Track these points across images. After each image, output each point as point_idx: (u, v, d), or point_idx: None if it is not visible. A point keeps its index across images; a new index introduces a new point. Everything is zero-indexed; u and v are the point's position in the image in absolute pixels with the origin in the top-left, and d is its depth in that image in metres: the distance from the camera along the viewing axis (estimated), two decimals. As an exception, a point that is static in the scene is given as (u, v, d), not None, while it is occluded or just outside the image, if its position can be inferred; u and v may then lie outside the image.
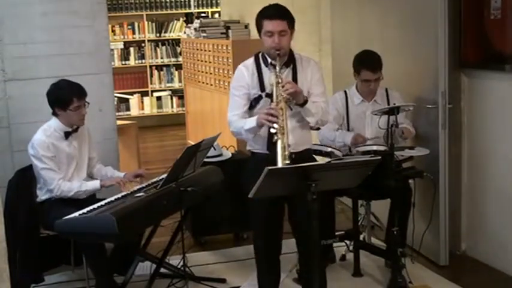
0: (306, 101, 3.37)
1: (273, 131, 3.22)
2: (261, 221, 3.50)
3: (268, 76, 3.42)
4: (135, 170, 4.39)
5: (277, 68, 3.33)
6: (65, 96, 3.84)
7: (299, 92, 3.33)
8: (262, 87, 3.44)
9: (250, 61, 3.51)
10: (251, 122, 3.38)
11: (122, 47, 10.01)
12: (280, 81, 3.30)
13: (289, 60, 3.45)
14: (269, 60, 3.43)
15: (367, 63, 4.25)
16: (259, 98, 3.44)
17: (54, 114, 3.91)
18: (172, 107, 10.30)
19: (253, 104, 3.46)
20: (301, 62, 3.50)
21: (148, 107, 10.25)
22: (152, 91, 10.26)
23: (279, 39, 3.33)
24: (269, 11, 3.38)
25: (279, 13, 3.36)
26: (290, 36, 3.40)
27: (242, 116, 3.46)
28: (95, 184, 3.91)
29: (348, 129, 4.40)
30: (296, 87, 3.32)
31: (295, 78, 3.44)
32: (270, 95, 3.39)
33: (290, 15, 3.40)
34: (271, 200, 3.26)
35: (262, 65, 3.46)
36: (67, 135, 3.93)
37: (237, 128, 3.46)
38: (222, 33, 6.79)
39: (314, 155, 3.77)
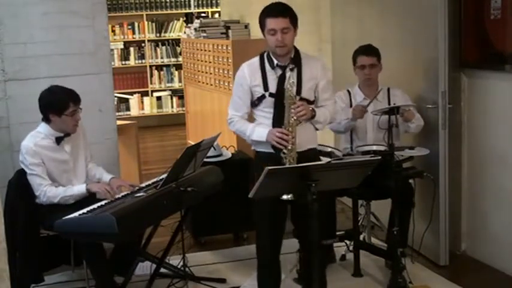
0: (313, 116, 3.43)
1: (282, 155, 3.31)
2: (264, 220, 3.50)
3: (273, 78, 3.44)
4: (122, 180, 4.16)
5: (293, 91, 3.35)
6: (62, 101, 3.80)
7: (309, 114, 3.39)
8: (266, 86, 3.45)
9: (255, 59, 3.53)
10: (260, 135, 3.44)
11: (122, 47, 10.01)
12: (294, 102, 3.34)
13: (295, 60, 3.45)
14: (275, 61, 3.45)
15: (362, 48, 4.36)
16: (263, 97, 3.46)
17: (47, 120, 3.85)
18: (172, 107, 10.30)
19: (256, 102, 3.49)
20: (307, 62, 3.51)
21: (148, 107, 10.25)
22: (152, 91, 10.25)
23: (282, 37, 3.36)
24: (271, 9, 3.41)
25: (281, 11, 3.39)
26: (293, 33, 3.42)
27: (243, 116, 3.54)
28: (80, 189, 3.85)
29: (351, 128, 4.40)
30: (307, 108, 3.37)
31: (300, 79, 3.45)
32: (273, 95, 3.43)
33: (292, 12, 3.42)
34: (274, 199, 3.27)
35: (267, 65, 3.47)
36: (58, 140, 3.89)
37: (240, 131, 3.54)
38: (222, 33, 6.79)
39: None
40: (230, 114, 3.57)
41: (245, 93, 3.49)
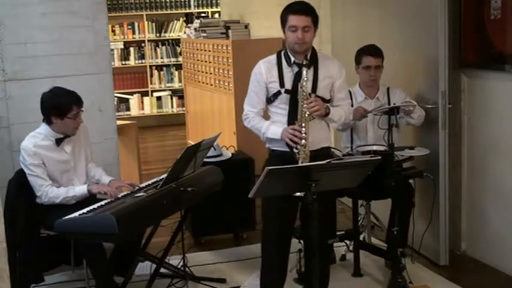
0: (327, 113, 3.46)
1: (295, 150, 3.34)
2: (274, 219, 3.51)
3: (290, 75, 3.47)
4: (122, 181, 4.17)
5: (306, 87, 3.37)
6: (65, 104, 3.79)
7: (323, 110, 3.41)
8: (282, 83, 3.48)
9: (272, 57, 3.57)
10: (274, 132, 3.46)
11: (122, 47, 10.00)
12: (308, 97, 3.36)
13: (311, 59, 3.47)
14: (292, 59, 3.47)
15: (368, 49, 4.36)
16: (278, 93, 3.49)
17: (49, 122, 3.84)
18: (172, 107, 10.30)
19: (272, 99, 3.52)
20: (324, 61, 3.54)
21: (148, 107, 10.25)
22: (152, 91, 10.25)
23: (303, 35, 3.39)
24: (294, 6, 3.44)
25: (304, 9, 3.42)
26: (313, 32, 3.45)
27: (258, 112, 3.56)
28: (82, 190, 3.85)
29: (351, 127, 4.40)
30: (321, 104, 3.38)
31: (316, 77, 3.48)
32: (289, 91, 3.45)
33: (314, 12, 3.46)
34: (285, 197, 3.28)
35: (284, 62, 3.50)
36: (58, 142, 3.88)
37: (255, 128, 3.56)
38: (222, 33, 6.80)
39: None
40: (246, 110, 3.59)
41: (261, 89, 3.52)
